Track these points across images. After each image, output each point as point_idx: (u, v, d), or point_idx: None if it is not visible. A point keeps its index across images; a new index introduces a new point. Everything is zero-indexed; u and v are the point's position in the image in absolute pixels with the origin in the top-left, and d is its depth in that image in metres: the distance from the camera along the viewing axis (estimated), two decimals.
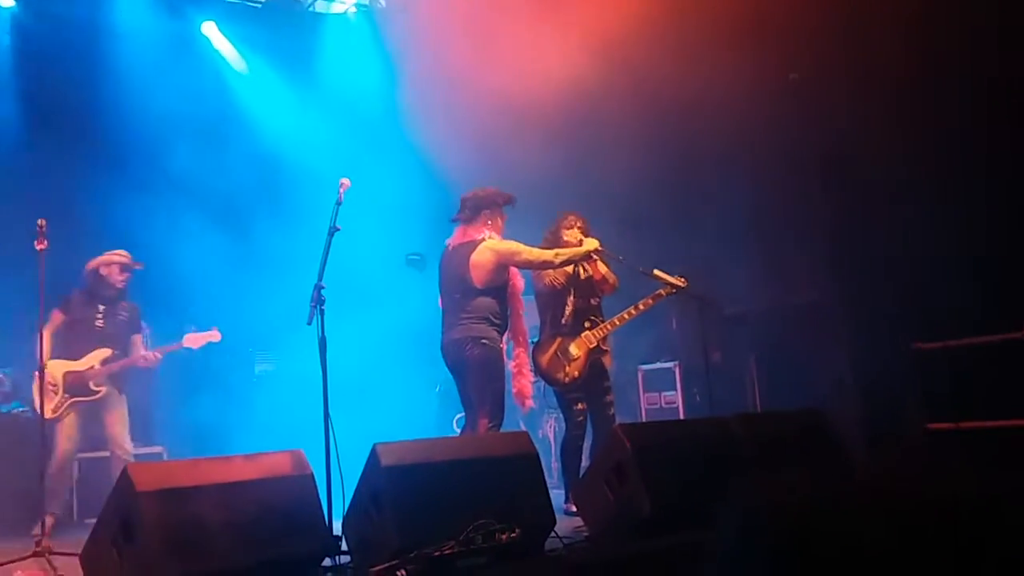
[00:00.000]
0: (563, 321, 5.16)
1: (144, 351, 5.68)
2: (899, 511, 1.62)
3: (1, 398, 6.26)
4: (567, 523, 4.23)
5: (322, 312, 3.99)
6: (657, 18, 6.11)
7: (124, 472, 3.06)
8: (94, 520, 3.29)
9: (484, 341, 4.66)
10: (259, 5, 8.14)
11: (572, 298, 5.18)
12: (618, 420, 5.19)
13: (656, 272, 5.08)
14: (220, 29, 8.11)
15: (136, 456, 5.86)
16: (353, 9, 8.40)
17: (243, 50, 8.24)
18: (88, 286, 5.60)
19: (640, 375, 7.04)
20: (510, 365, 4.99)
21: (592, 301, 5.26)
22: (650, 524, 3.57)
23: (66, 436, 5.36)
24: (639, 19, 6.19)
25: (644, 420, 6.82)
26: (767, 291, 6.46)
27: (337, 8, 8.45)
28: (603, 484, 3.82)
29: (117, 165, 7.12)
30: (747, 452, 3.91)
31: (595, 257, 5.07)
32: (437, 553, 3.14)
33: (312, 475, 3.36)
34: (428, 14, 7.20)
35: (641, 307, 5.16)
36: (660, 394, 6.89)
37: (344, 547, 3.55)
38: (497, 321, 4.75)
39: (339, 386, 4.11)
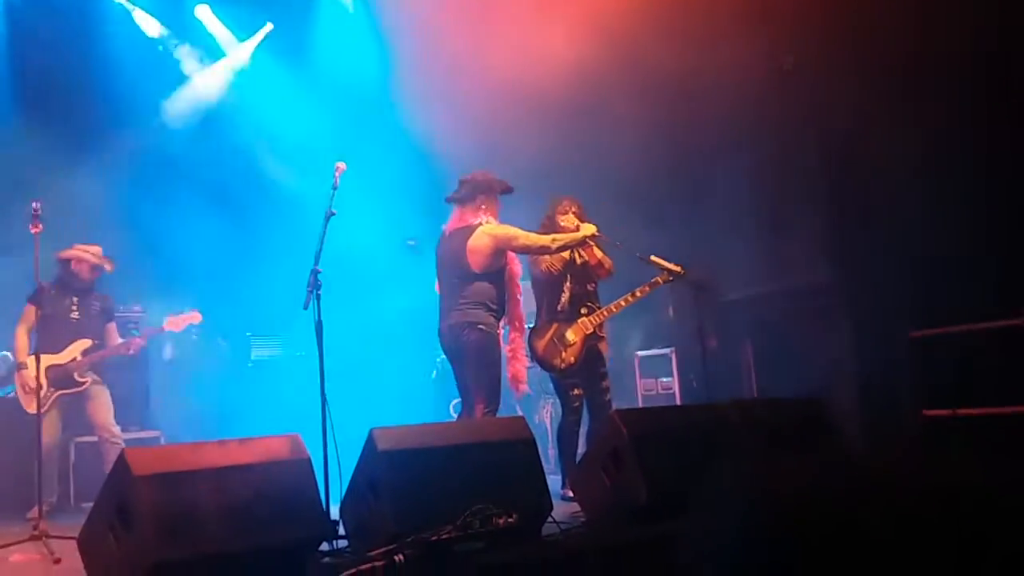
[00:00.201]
0: (559, 307, 5.15)
1: (119, 338, 5.72)
2: (898, 499, 1.61)
3: None
4: (564, 508, 4.23)
5: (319, 297, 3.98)
6: (658, 1, 6.06)
7: (121, 456, 3.05)
8: (91, 504, 3.29)
9: (481, 326, 4.65)
10: None
11: (569, 284, 5.17)
12: (614, 406, 5.19)
13: (653, 258, 5.06)
14: (214, 12, 8.05)
15: (133, 440, 5.89)
16: None
17: (237, 33, 8.18)
18: (59, 277, 5.62)
19: (636, 361, 7.04)
20: (505, 350, 4.97)
21: (589, 287, 5.25)
22: (646, 510, 3.57)
23: (51, 430, 5.35)
24: (639, 2, 6.14)
25: (640, 406, 6.82)
26: (765, 277, 6.44)
27: None
28: (600, 470, 3.83)
29: (110, 149, 7.08)
30: (744, 439, 3.92)
31: (591, 243, 5.06)
32: (434, 538, 3.14)
33: (309, 460, 3.35)
34: None
35: (638, 294, 5.15)
36: (656, 380, 6.89)
37: (341, 532, 3.55)
38: (494, 306, 4.74)
39: (336, 371, 4.10)
